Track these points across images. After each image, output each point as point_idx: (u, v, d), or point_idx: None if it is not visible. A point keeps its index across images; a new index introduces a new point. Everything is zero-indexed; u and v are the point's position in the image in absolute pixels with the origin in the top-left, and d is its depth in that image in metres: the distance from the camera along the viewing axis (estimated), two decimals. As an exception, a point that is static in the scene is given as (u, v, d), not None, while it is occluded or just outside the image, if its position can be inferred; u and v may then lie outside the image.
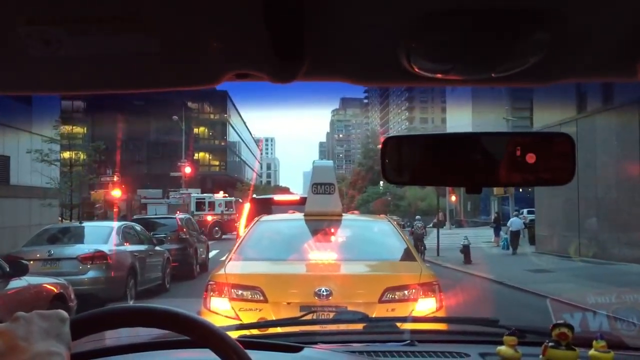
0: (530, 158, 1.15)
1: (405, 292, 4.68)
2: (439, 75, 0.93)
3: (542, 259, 20.84)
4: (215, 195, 38.47)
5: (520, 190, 33.84)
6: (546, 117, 23.34)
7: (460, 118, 56.41)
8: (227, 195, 39.85)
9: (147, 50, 0.86)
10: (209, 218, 34.95)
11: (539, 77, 0.97)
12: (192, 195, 37.45)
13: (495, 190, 31.39)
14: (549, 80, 1.00)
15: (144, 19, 0.80)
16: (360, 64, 0.94)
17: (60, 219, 25.30)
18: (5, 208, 20.45)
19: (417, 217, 29.53)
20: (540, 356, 1.62)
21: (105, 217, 30.18)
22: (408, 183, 1.31)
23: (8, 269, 6.91)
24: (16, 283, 6.99)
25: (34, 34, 0.80)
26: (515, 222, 25.02)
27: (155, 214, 24.31)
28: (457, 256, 20.47)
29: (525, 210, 31.64)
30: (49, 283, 7.97)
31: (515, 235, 24.42)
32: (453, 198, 49.10)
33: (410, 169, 1.26)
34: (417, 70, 0.89)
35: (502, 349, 1.70)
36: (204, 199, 37.32)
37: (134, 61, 0.90)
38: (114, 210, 27.98)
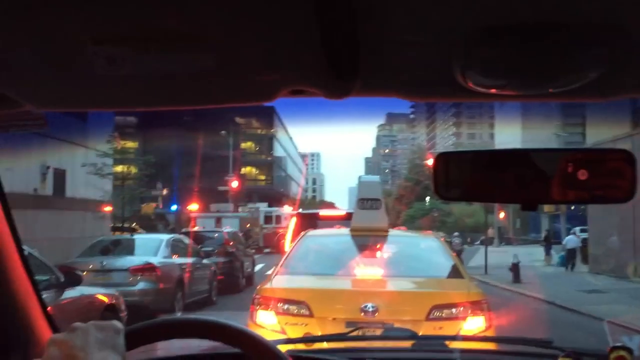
0: (587, 175, 1.11)
1: (453, 310, 4.60)
2: (494, 91, 0.92)
3: (596, 279, 20.13)
4: (281, 208, 39.69)
5: (572, 207, 32.86)
6: (599, 133, 22.65)
7: (509, 134, 55.42)
8: (292, 208, 40.83)
9: (206, 67, 0.88)
10: (277, 231, 35.95)
11: (597, 92, 0.95)
12: (260, 209, 38.71)
13: (546, 207, 30.60)
14: (607, 95, 0.97)
15: (205, 38, 0.82)
16: (414, 80, 0.94)
17: (136, 229, 26.28)
18: (61, 220, 21.15)
19: (455, 233, 29.55)
20: (597, 380, 1.56)
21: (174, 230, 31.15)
22: (460, 199, 1.29)
23: (63, 279, 7.12)
24: (70, 293, 7.19)
25: (100, 52, 0.83)
26: (571, 240, 24.86)
27: (204, 228, 24.90)
28: (506, 275, 19.99)
29: (578, 229, 30.74)
30: (101, 294, 8.18)
31: (571, 253, 23.99)
32: (501, 215, 48.04)
33: (462, 185, 1.25)
34: (471, 85, 0.88)
35: (557, 371, 1.64)
36: (271, 212, 39.03)
37: (193, 78, 0.93)
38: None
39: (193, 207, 34.44)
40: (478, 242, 43.99)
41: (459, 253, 22.83)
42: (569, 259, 24.12)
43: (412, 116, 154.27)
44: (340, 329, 4.15)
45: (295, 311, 4.58)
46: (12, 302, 1.38)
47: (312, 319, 4.50)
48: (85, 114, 20.99)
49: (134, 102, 1.04)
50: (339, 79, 0.88)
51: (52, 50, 0.86)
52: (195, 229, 22.19)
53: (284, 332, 4.42)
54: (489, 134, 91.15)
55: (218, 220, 31.92)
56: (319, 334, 4.06)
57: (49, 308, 1.53)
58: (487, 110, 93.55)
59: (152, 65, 0.87)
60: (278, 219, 37.59)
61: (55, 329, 1.49)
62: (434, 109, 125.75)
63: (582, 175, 1.11)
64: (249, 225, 35.30)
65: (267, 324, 4.57)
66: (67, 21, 0.79)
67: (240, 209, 38.97)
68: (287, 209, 39.83)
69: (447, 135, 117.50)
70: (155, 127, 42.45)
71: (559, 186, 1.15)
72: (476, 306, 4.61)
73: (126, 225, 25.87)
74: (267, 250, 32.90)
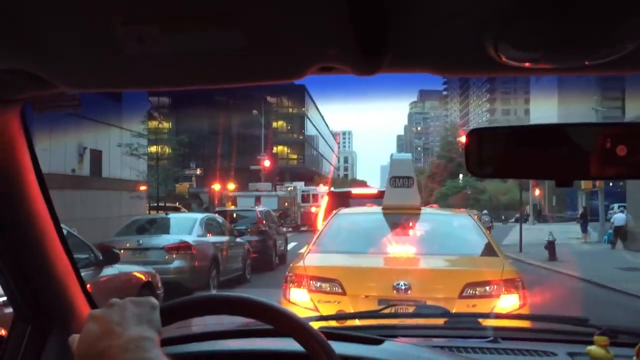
0: (624, 150, 1.08)
1: (487, 288, 4.57)
2: (528, 64, 0.89)
3: (634, 257, 19.74)
4: (318, 187, 40.85)
5: (611, 184, 32.16)
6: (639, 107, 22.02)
7: (545, 109, 54.30)
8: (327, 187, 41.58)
9: (234, 45, 0.88)
10: (313, 209, 36.57)
11: (636, 64, 0.91)
12: (297, 188, 39.62)
13: (583, 184, 30.03)
14: None
15: (232, 16, 0.82)
16: (445, 54, 0.92)
17: (180, 207, 26.99)
18: (98, 200, 21.65)
19: (485, 211, 29.71)
20: (634, 358, 1.53)
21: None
22: (493, 176, 1.27)
23: (101, 258, 7.30)
24: (108, 271, 7.37)
25: (130, 32, 0.84)
26: (619, 218, 24.65)
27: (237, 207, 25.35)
28: (542, 252, 19.74)
29: (616, 205, 30.20)
30: (138, 271, 8.36)
31: (618, 230, 23.86)
32: (537, 192, 47.26)
33: (496, 162, 1.23)
34: (504, 59, 0.86)
35: (593, 349, 1.62)
36: (308, 191, 40.16)
37: (222, 57, 0.93)
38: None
39: (230, 186, 35.62)
40: (512, 220, 43.50)
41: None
42: (616, 236, 23.88)
43: (444, 93, 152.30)
44: (373, 306, 4.16)
45: (328, 289, 4.61)
46: (53, 280, 1.42)
47: (344, 296, 4.52)
48: (120, 96, 21.32)
49: (163, 81, 1.05)
50: (367, 54, 0.86)
51: (84, 30, 0.87)
52: (228, 208, 22.49)
53: (316, 309, 4.46)
54: (524, 110, 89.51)
55: (257, 199, 32.62)
56: (352, 311, 4.09)
57: (87, 285, 1.57)
58: (522, 85, 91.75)
59: (182, 44, 0.88)
60: (315, 197, 38.41)
61: (93, 305, 1.53)
62: (467, 84, 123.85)
63: (621, 151, 1.08)
64: (287, 204, 35.99)
65: (299, 302, 4.62)
66: (99, 1, 0.80)
67: (278, 188, 39.73)
68: (323, 188, 40.40)
69: (481, 112, 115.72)
70: (188, 107, 42.87)
71: (596, 162, 1.12)
72: (510, 284, 4.57)
73: (169, 204, 26.33)
74: (303, 228, 33.45)
